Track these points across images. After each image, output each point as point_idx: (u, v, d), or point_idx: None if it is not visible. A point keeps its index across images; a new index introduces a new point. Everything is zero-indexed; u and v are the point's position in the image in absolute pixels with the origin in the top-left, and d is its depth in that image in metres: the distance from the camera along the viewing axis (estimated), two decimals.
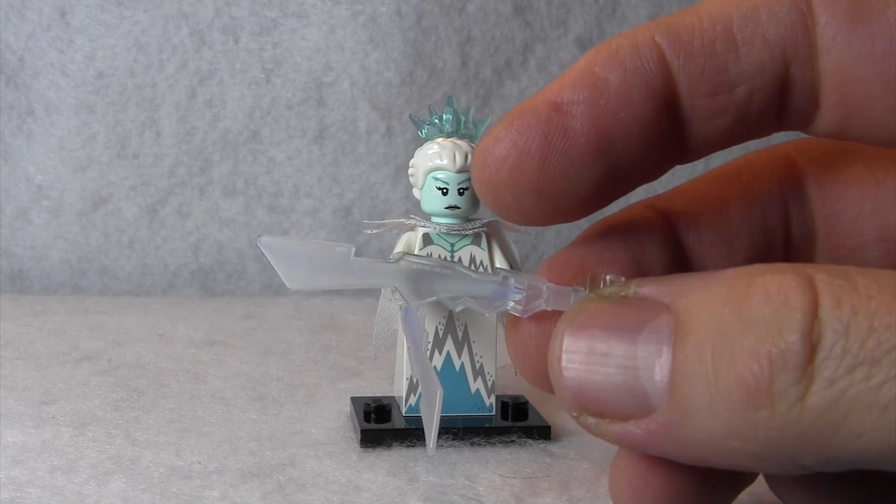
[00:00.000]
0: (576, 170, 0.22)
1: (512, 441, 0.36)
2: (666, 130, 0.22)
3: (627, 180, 0.23)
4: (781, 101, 0.23)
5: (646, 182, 0.23)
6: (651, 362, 0.19)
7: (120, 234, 0.65)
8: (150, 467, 0.33)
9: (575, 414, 0.21)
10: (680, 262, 0.24)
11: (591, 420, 0.21)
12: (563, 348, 0.20)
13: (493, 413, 0.37)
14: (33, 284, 0.65)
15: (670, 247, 0.24)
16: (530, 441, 0.36)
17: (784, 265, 0.19)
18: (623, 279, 0.22)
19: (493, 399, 0.37)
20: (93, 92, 0.65)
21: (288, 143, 0.66)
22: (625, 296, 0.21)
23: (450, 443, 0.35)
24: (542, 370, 0.22)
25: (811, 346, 0.17)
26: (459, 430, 0.36)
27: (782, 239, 0.25)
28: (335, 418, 0.38)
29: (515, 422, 0.36)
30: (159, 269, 0.66)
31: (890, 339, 0.16)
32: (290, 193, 0.66)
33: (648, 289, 0.20)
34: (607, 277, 0.22)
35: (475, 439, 0.36)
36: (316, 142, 0.66)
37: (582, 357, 0.20)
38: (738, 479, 0.24)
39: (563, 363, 0.20)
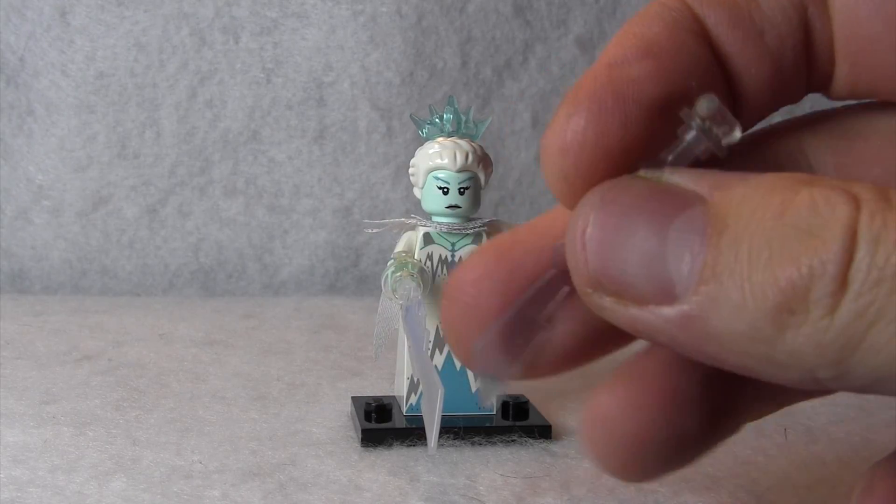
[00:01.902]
0: (653, 117, 0.21)
1: (513, 440, 0.36)
2: (722, 80, 0.22)
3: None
4: (806, 53, 0.22)
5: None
6: (681, 250, 0.19)
7: (120, 234, 0.65)
8: (151, 467, 0.33)
9: (589, 290, 0.20)
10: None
11: (607, 300, 0.20)
12: (591, 221, 0.20)
13: (494, 412, 0.37)
14: (33, 284, 0.65)
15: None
16: (531, 440, 0.36)
17: (829, 179, 0.18)
18: (713, 96, 0.20)
19: (493, 398, 0.37)
20: (93, 92, 0.65)
21: (288, 143, 0.66)
22: (658, 181, 0.20)
23: (451, 442, 0.35)
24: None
25: (849, 258, 0.17)
26: (460, 430, 0.36)
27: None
28: (336, 418, 0.38)
29: (516, 421, 0.36)
30: (159, 269, 0.66)
31: None
32: (290, 193, 0.66)
33: (684, 178, 0.20)
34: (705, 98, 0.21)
35: (476, 439, 0.36)
36: (316, 142, 0.66)
37: (609, 232, 0.19)
38: (716, 432, 0.23)
39: (588, 235, 0.20)
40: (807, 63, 0.23)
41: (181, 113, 0.66)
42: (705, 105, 0.20)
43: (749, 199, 0.19)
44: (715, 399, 0.22)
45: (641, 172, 0.20)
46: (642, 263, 0.19)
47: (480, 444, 0.36)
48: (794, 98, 0.23)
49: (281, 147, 0.66)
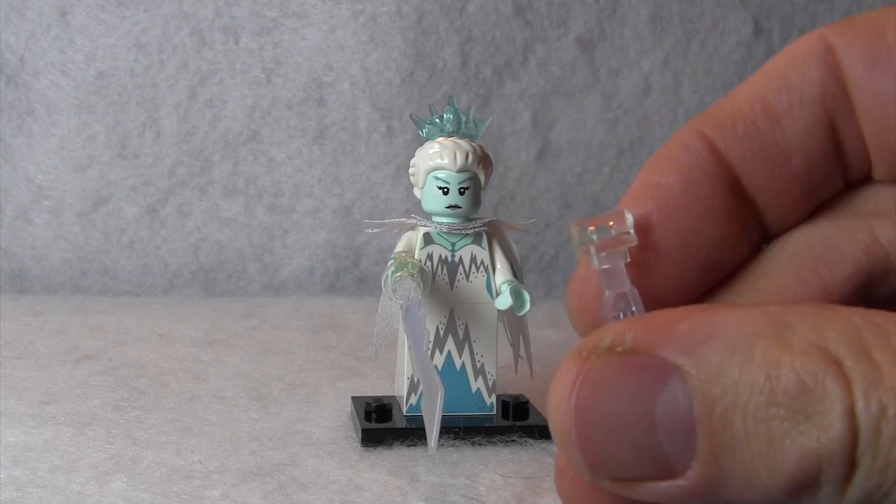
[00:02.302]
0: (671, 275, 0.22)
1: (513, 440, 0.36)
2: (744, 217, 0.22)
3: (718, 270, 0.23)
4: (838, 158, 0.23)
5: (737, 267, 0.24)
6: (673, 430, 0.19)
7: (120, 234, 0.65)
8: (151, 467, 0.33)
9: (589, 478, 0.20)
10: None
11: (607, 483, 0.20)
12: (573, 423, 0.20)
13: (494, 412, 0.37)
14: (33, 284, 0.65)
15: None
16: (531, 440, 0.36)
17: (801, 332, 0.19)
18: (611, 224, 0.21)
19: (493, 398, 0.37)
20: (93, 92, 0.65)
21: (288, 143, 0.66)
22: (622, 351, 0.20)
23: (451, 442, 0.35)
24: None
25: (853, 443, 0.18)
26: (460, 430, 0.36)
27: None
28: (336, 418, 0.38)
29: (516, 421, 0.36)
30: (159, 269, 0.66)
31: None
32: (290, 193, 0.66)
33: (648, 342, 0.20)
34: (590, 229, 0.21)
35: (476, 439, 0.36)
36: (316, 142, 0.66)
37: (594, 430, 0.20)
38: None
39: (575, 436, 0.20)
40: (840, 168, 0.23)
41: (181, 113, 0.66)
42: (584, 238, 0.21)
43: (728, 368, 0.19)
44: None
45: (604, 340, 0.20)
46: (634, 451, 0.19)
47: (480, 444, 0.36)
48: (826, 196, 0.23)
49: (281, 147, 0.66)
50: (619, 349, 0.20)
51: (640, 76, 0.70)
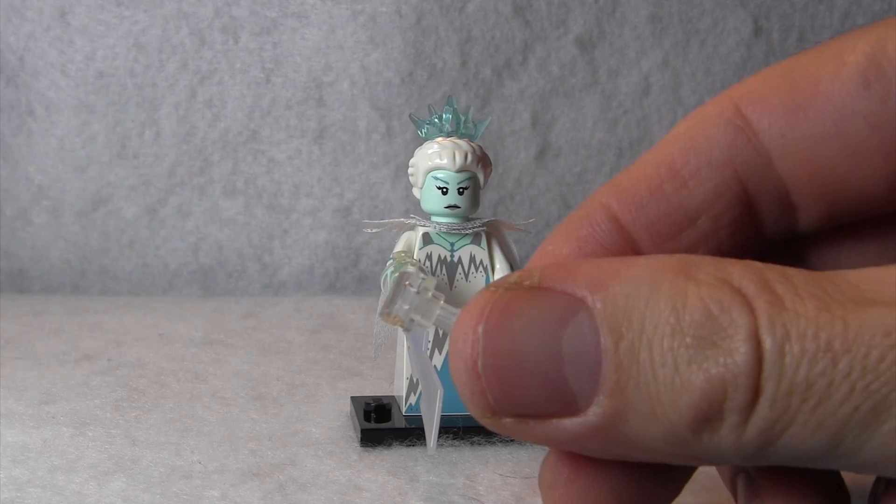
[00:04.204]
0: None
1: (512, 440, 0.36)
2: None
3: None
4: (753, 216, 0.23)
5: None
6: (579, 363, 0.19)
7: (120, 234, 0.65)
8: (151, 467, 0.33)
9: (489, 415, 0.20)
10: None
11: (508, 420, 0.20)
12: (480, 350, 0.20)
13: None
14: (33, 284, 0.65)
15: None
16: None
17: (705, 268, 0.19)
18: (423, 276, 0.23)
19: None
20: (93, 92, 0.65)
21: (288, 143, 0.66)
22: (530, 285, 0.20)
23: (450, 442, 0.35)
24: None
25: (758, 368, 0.18)
26: (460, 430, 0.36)
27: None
28: (335, 418, 0.38)
29: None
30: (159, 269, 0.66)
31: (819, 363, 0.17)
32: (290, 193, 0.66)
33: (556, 278, 0.20)
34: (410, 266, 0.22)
35: (475, 438, 0.36)
36: (316, 142, 0.66)
37: (501, 358, 0.19)
38: (683, 475, 0.24)
39: (482, 366, 0.20)
40: (754, 226, 0.23)
41: (181, 113, 0.66)
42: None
43: (635, 300, 0.19)
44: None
45: (511, 277, 0.20)
46: (540, 383, 0.19)
47: (480, 444, 0.36)
48: (747, 255, 0.24)
49: (281, 147, 0.66)
50: (526, 283, 0.20)
51: (639, 76, 0.70)
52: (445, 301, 0.24)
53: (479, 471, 0.33)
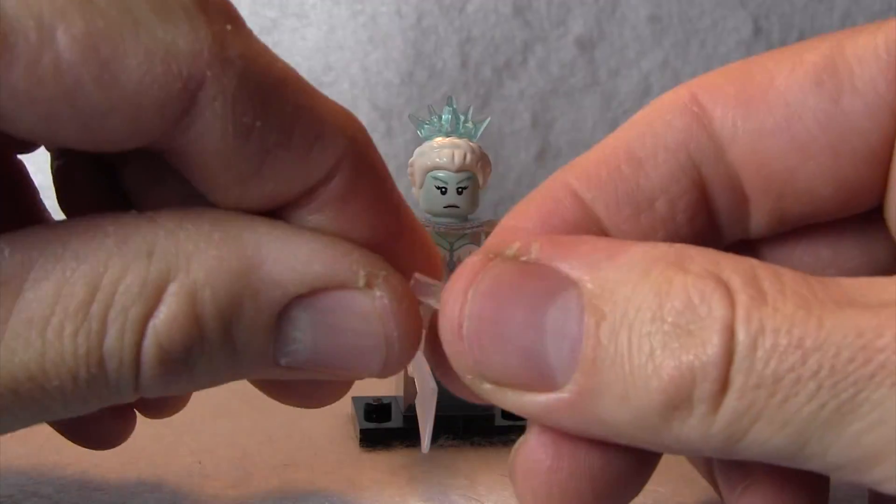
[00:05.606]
0: None
1: (513, 440, 0.36)
2: None
3: None
4: (708, 204, 0.23)
5: None
6: (559, 340, 0.19)
7: None
8: (150, 467, 0.33)
9: (469, 376, 0.21)
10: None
11: (487, 385, 0.21)
12: (466, 313, 0.20)
13: (494, 412, 0.37)
14: None
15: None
16: None
17: (699, 260, 0.19)
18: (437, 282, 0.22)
19: None
20: None
21: None
22: (526, 260, 0.20)
23: (450, 442, 0.35)
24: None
25: (729, 359, 0.18)
26: (460, 430, 0.36)
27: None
28: (335, 418, 0.38)
29: (516, 421, 0.36)
30: None
31: (789, 359, 0.17)
32: None
33: (552, 255, 0.20)
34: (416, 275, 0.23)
35: (476, 438, 0.36)
36: None
37: (486, 324, 0.20)
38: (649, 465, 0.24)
39: (466, 328, 0.20)
40: (710, 216, 0.23)
41: None
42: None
43: (623, 285, 0.19)
44: None
45: (509, 250, 0.21)
46: (521, 354, 0.20)
47: (480, 444, 0.36)
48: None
49: None
50: (523, 258, 0.20)
51: (639, 76, 0.70)
52: None
53: (480, 471, 0.33)
